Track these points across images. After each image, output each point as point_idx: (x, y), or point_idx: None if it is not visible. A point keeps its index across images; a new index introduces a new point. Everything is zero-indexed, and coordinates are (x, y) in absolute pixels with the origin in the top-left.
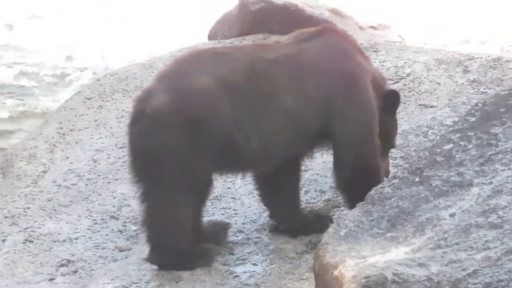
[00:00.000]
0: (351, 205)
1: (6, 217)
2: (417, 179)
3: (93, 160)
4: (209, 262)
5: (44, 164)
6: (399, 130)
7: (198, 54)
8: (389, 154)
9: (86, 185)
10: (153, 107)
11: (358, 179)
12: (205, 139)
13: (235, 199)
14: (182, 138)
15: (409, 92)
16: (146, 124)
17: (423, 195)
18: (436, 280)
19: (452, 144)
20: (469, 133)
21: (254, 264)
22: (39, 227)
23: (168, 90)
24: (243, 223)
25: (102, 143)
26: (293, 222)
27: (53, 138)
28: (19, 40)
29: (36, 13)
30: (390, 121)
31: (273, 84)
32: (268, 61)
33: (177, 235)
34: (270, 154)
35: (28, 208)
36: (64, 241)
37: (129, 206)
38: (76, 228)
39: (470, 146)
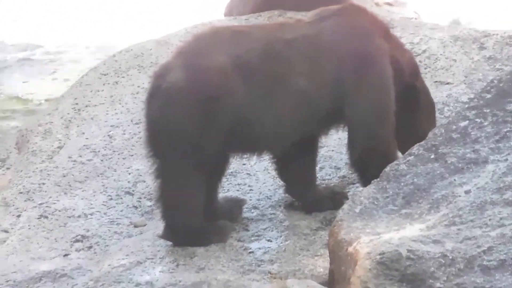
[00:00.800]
0: (364, 183)
1: (21, 192)
2: (432, 156)
3: (108, 136)
4: (224, 238)
5: (60, 140)
6: None
7: (217, 32)
8: None
9: (102, 160)
10: (169, 82)
11: (370, 159)
12: (218, 118)
13: (250, 175)
14: (194, 115)
15: (425, 69)
16: (161, 99)
17: (438, 172)
18: (450, 257)
19: (467, 121)
20: (484, 110)
21: (268, 240)
22: (54, 203)
23: (185, 67)
24: (258, 199)
25: (118, 119)
26: (308, 198)
27: (68, 113)
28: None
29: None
30: (415, 115)
31: (287, 65)
32: (286, 41)
33: (189, 212)
34: (282, 136)
35: (43, 183)
36: (79, 216)
37: (144, 182)
38: (91, 204)
39: (485, 123)
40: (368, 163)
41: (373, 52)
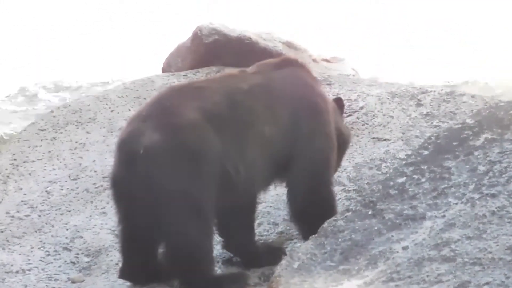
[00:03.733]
0: (305, 236)
1: None
2: (370, 212)
3: (46, 191)
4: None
5: None
6: (353, 163)
7: (178, 90)
8: (342, 187)
9: (39, 216)
10: (147, 146)
11: (312, 209)
12: (205, 168)
13: None
14: (183, 170)
15: (363, 125)
16: (143, 164)
17: (376, 228)
18: None
19: (405, 177)
20: (422, 167)
21: None
22: None
23: (158, 128)
24: None
25: (55, 174)
26: (247, 254)
27: (6, 169)
28: None
29: None
30: (339, 152)
31: (252, 114)
32: (244, 91)
33: (203, 263)
34: (254, 183)
35: None
36: (17, 272)
37: (82, 237)
38: (29, 260)
39: (423, 180)
40: (311, 213)
41: (320, 101)
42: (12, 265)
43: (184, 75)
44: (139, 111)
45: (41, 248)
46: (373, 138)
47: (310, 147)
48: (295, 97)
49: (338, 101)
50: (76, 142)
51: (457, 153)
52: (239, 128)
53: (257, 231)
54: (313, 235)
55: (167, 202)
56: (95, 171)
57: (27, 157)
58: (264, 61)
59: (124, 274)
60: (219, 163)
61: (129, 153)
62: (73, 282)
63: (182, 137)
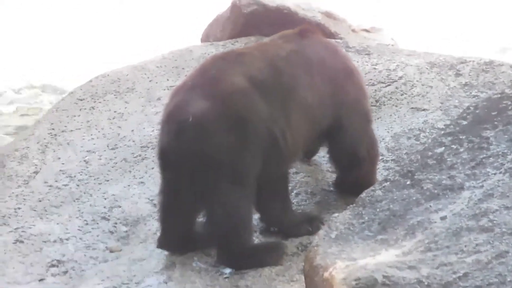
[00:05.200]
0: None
1: None
2: (408, 182)
3: (84, 161)
4: (279, 259)
5: (36, 165)
6: (391, 133)
7: (221, 58)
8: (380, 158)
9: (77, 185)
10: (197, 114)
11: (365, 161)
12: (253, 137)
13: None
14: (232, 138)
15: (401, 95)
16: (194, 132)
17: (414, 198)
18: (426, 283)
19: (443, 148)
20: (460, 137)
21: None
22: (30, 228)
23: (207, 96)
24: None
25: (94, 144)
26: (284, 224)
27: (44, 139)
28: None
29: None
30: None
31: (294, 80)
32: (283, 58)
33: (243, 233)
34: (299, 149)
35: (19, 208)
36: (55, 241)
37: (120, 207)
38: (67, 229)
39: (461, 150)
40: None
41: (354, 67)
42: (49, 234)
43: (222, 45)
44: (185, 81)
45: (79, 218)
46: (412, 108)
47: (358, 112)
48: (332, 65)
49: None
50: (115, 111)
51: (495, 123)
52: (283, 94)
53: (294, 201)
54: (351, 205)
55: (215, 170)
56: (133, 141)
57: (65, 126)
58: (285, 31)
59: (162, 243)
60: (267, 129)
61: (178, 122)
62: (111, 251)
63: (231, 104)
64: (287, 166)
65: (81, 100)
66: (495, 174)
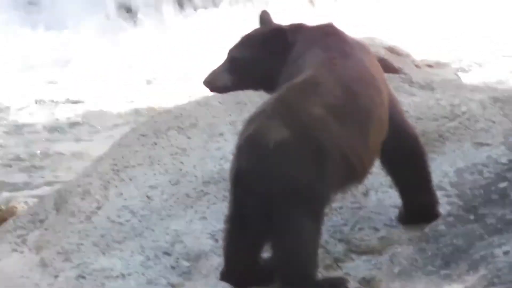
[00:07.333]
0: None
1: (59, 253)
2: (471, 217)
3: (146, 196)
4: None
5: (98, 200)
6: (455, 168)
7: (297, 87)
8: (444, 192)
9: (140, 221)
10: (277, 141)
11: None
12: (330, 166)
13: None
14: (312, 168)
15: (465, 130)
16: (273, 159)
17: (477, 232)
18: None
19: (507, 182)
20: None
21: None
22: (92, 263)
23: (287, 124)
24: None
25: (156, 179)
26: None
27: (107, 174)
28: None
29: None
30: None
31: (369, 100)
32: (356, 79)
33: (311, 267)
34: (371, 167)
35: (82, 244)
36: (117, 277)
37: (182, 242)
38: (129, 264)
39: None
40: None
41: None
42: (112, 270)
43: None
44: (261, 109)
45: (141, 253)
46: (475, 143)
47: (403, 119)
48: (379, 68)
49: None
50: (177, 147)
51: None
52: (361, 118)
53: (357, 236)
54: (415, 240)
55: (292, 197)
56: (196, 176)
57: (127, 162)
58: (309, 31)
59: (225, 276)
60: (342, 155)
61: (258, 148)
62: (173, 286)
63: (311, 133)
64: (362, 179)
65: (143, 135)
66: None
